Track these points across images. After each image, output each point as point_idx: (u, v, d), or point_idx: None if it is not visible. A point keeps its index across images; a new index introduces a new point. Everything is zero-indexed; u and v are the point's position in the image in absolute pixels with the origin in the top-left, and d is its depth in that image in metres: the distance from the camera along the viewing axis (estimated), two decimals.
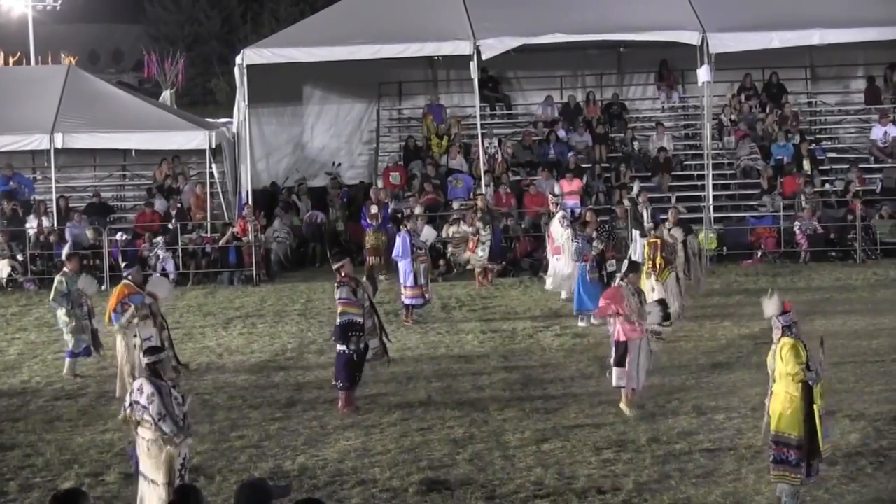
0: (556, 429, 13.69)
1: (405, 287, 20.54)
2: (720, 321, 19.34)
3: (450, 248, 24.90)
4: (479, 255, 23.91)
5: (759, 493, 11.28)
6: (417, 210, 25.66)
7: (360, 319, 14.93)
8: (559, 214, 22.46)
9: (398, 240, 21.16)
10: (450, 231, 24.94)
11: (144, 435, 10.52)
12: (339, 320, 14.89)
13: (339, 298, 14.92)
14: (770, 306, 11.19)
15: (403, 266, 20.64)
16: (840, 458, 12.28)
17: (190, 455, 10.80)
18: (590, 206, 23.42)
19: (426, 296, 20.70)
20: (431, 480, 12.00)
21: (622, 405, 14.32)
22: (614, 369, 14.38)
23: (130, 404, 10.61)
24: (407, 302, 20.56)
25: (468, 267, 24.22)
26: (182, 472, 10.51)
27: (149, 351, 11.16)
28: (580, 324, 19.43)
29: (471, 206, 26.37)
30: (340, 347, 14.88)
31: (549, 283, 22.39)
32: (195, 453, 12.91)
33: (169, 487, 10.38)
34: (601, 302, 14.80)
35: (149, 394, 10.45)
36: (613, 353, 14.45)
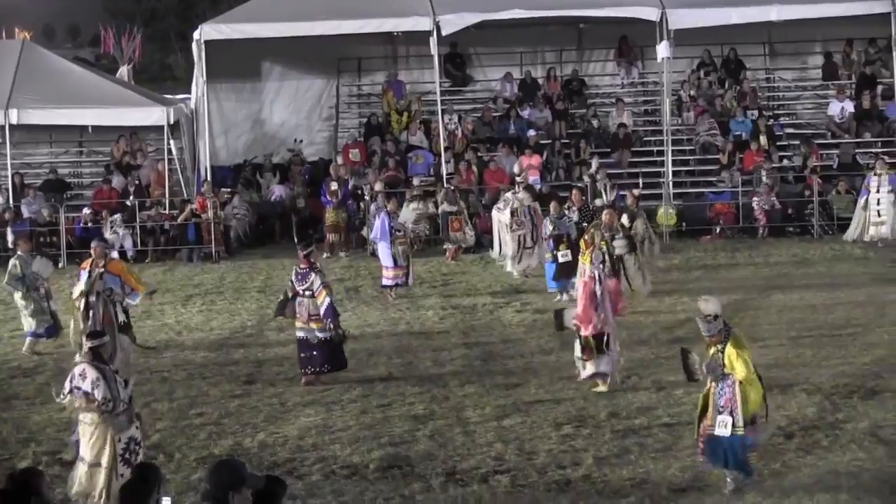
0: (516, 404, 13.68)
1: (386, 268, 20.30)
2: (679, 296, 19.36)
3: (409, 226, 24.82)
4: (468, 232, 23.89)
5: None
6: (378, 186, 25.60)
7: None
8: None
9: (377, 221, 20.90)
10: (410, 207, 24.89)
11: (85, 420, 10.47)
12: (329, 301, 14.79)
13: (323, 283, 14.88)
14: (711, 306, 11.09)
15: (383, 248, 20.39)
16: (796, 431, 12.35)
17: (139, 438, 10.75)
18: (578, 185, 23.03)
19: (407, 276, 20.42)
20: (392, 457, 11.98)
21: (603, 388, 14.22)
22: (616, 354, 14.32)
23: (71, 390, 10.53)
24: (388, 283, 20.32)
25: (456, 245, 24.02)
26: (127, 455, 10.43)
27: (91, 335, 11.02)
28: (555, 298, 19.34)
29: (433, 183, 26.39)
30: (334, 332, 14.85)
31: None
32: (154, 431, 12.90)
33: (112, 471, 10.34)
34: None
35: (93, 379, 10.37)
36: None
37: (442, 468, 11.63)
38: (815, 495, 10.64)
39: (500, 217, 21.75)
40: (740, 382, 10.62)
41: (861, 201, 24.32)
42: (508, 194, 22.14)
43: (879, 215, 24.05)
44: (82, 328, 14.65)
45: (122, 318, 15.30)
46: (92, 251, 15.62)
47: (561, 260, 19.17)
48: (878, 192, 24.04)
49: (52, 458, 12.13)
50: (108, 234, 23.87)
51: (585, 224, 18.82)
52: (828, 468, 11.34)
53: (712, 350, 10.81)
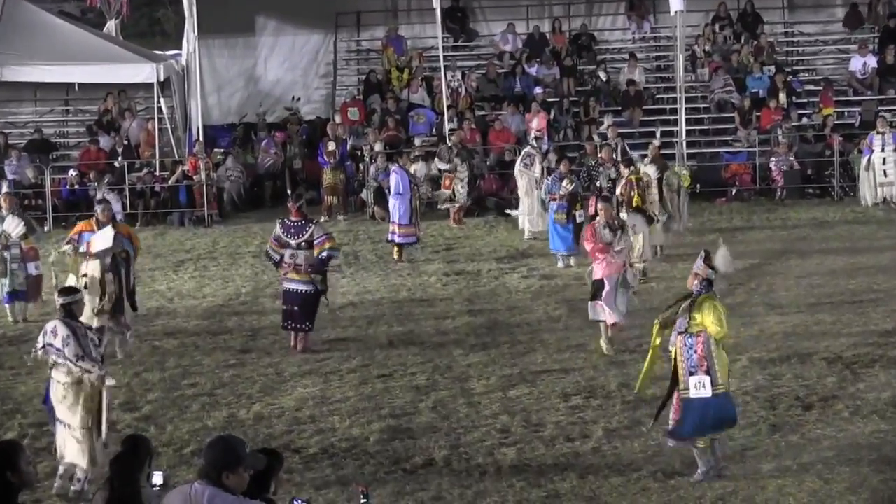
0: (522, 374, 13.55)
1: (398, 225, 20.15)
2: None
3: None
4: (459, 191, 23.57)
5: (733, 439, 11.04)
6: (377, 147, 25.09)
7: None
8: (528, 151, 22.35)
9: (395, 177, 20.59)
10: (411, 170, 24.33)
11: (59, 378, 10.46)
12: (325, 255, 14.59)
13: (327, 234, 14.81)
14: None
15: (400, 204, 20.13)
16: (815, 401, 12.23)
17: (111, 398, 10.75)
18: (606, 143, 22.72)
19: (418, 234, 20.46)
20: (393, 429, 11.88)
21: (602, 342, 14.24)
22: (590, 304, 14.37)
23: (43, 346, 10.59)
24: (399, 240, 20.15)
25: (445, 206, 23.71)
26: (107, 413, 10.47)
27: (63, 291, 11.05)
28: (558, 264, 19.31)
29: (436, 143, 25.90)
30: (319, 286, 14.69)
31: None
32: (145, 402, 12.95)
33: (86, 431, 10.32)
34: (587, 246, 14.50)
35: (63, 336, 10.42)
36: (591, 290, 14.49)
37: (445, 440, 11.51)
38: (836, 469, 10.48)
39: (529, 173, 21.69)
40: (715, 339, 10.20)
41: (863, 161, 23.98)
42: (529, 148, 22.30)
43: (886, 175, 23.85)
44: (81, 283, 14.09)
45: (133, 281, 14.98)
46: (99, 215, 15.10)
47: (579, 220, 19.02)
48: (882, 150, 23.79)
49: (39, 430, 11.94)
50: (99, 196, 23.19)
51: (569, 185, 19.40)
52: (849, 440, 11.16)
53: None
